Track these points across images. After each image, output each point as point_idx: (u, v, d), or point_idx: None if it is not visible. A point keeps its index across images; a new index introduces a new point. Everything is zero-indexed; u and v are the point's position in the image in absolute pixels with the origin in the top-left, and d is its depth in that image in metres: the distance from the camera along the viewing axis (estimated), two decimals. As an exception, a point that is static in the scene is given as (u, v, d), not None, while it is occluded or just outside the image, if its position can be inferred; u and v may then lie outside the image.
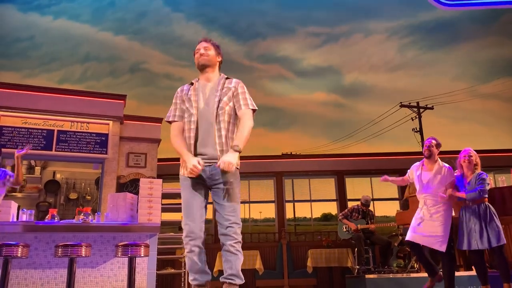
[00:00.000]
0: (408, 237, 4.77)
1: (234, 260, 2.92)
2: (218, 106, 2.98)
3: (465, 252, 6.26)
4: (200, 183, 3.00)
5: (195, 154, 2.95)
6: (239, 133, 2.92)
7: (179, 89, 3.19)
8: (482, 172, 4.69)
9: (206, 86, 3.09)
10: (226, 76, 3.17)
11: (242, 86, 3.11)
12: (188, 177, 2.98)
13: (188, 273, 3.03)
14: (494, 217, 4.53)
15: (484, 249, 4.56)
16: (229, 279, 2.90)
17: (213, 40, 3.23)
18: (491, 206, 4.61)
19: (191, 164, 2.84)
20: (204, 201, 3.03)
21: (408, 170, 5.09)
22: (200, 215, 2.98)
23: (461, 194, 4.62)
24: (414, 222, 4.79)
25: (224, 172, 2.85)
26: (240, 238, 2.96)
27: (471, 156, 4.73)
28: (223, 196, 2.94)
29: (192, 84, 3.15)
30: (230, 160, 2.77)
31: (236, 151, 2.82)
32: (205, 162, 2.92)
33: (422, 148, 4.92)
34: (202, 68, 3.12)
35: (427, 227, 4.64)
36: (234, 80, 3.13)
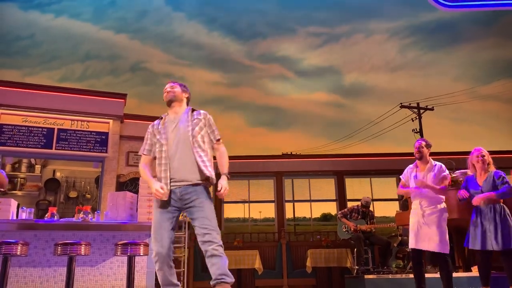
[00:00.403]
0: (411, 244, 4.74)
1: (220, 262, 3.15)
2: (191, 134, 3.33)
3: (464, 253, 6.26)
4: (171, 205, 3.29)
5: (170, 179, 3.29)
6: (223, 162, 3.44)
7: (150, 125, 3.61)
8: (498, 170, 4.68)
9: (175, 119, 3.46)
10: (192, 108, 3.54)
11: (210, 117, 3.50)
12: (160, 200, 3.27)
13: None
14: (509, 217, 4.51)
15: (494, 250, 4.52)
16: (220, 279, 3.10)
17: (179, 82, 3.64)
18: (505, 207, 4.58)
19: (153, 188, 3.23)
20: (172, 223, 3.32)
21: (402, 176, 5.09)
22: (168, 237, 3.25)
23: (491, 195, 4.52)
24: (412, 227, 4.76)
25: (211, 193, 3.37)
26: (220, 242, 3.22)
27: (484, 156, 4.73)
28: (197, 212, 3.24)
29: (161, 118, 3.56)
30: (227, 186, 3.33)
31: (227, 177, 3.36)
32: (176, 185, 3.26)
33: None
34: (170, 103, 3.51)
35: (425, 229, 4.63)
36: (201, 111, 3.50)
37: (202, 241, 3.19)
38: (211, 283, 3.11)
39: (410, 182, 4.91)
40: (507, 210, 4.56)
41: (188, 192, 3.25)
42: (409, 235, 4.84)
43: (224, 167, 3.42)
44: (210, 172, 3.33)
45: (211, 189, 3.48)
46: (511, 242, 4.37)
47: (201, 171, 3.28)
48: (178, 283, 3.27)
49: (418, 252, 4.74)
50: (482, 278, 4.62)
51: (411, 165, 5.01)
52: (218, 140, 3.49)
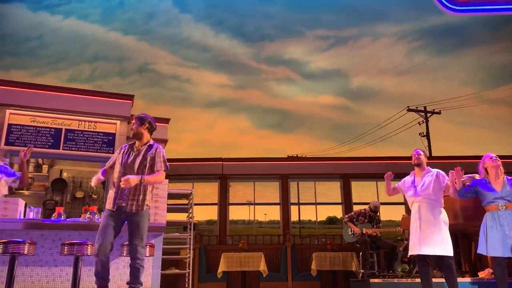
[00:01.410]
0: (413, 251, 4.70)
1: (139, 272, 3.96)
2: (139, 164, 4.10)
3: (470, 258, 6.22)
4: (118, 215, 4.02)
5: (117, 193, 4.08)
6: (152, 175, 4.09)
7: (121, 147, 4.34)
8: (509, 177, 4.67)
9: (134, 149, 4.21)
10: (150, 144, 4.23)
11: (159, 152, 4.18)
12: (108, 209, 4.04)
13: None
14: None
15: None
16: (133, 283, 3.94)
17: (138, 115, 4.30)
18: None
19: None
20: (115, 228, 4.01)
21: (398, 184, 5.12)
22: (109, 239, 3.94)
23: None
24: (413, 234, 4.74)
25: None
26: (143, 256, 4.03)
27: (498, 160, 4.72)
28: (134, 226, 4.00)
29: (129, 145, 4.30)
30: (130, 177, 3.92)
31: (140, 178, 3.99)
32: (124, 202, 4.02)
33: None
34: (132, 138, 4.29)
35: (426, 234, 4.60)
36: (154, 146, 4.21)
37: (132, 251, 4.02)
38: (127, 283, 4.00)
39: (404, 189, 5.01)
40: None
41: (132, 208, 4.04)
42: (409, 241, 4.83)
43: (151, 178, 4.07)
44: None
45: None
46: None
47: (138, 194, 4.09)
48: (109, 279, 3.99)
49: (423, 258, 4.71)
50: (500, 284, 4.48)
51: (408, 176, 5.09)
52: (160, 169, 4.16)
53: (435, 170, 4.87)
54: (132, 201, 4.02)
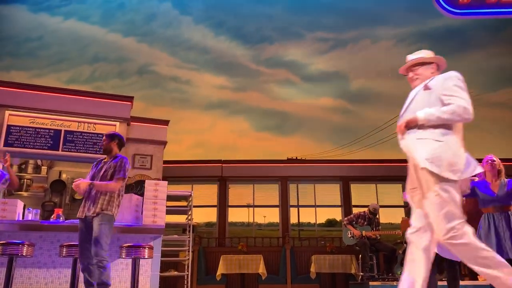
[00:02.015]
0: None
1: (100, 273, 4.00)
2: (102, 174, 4.36)
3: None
4: (85, 225, 4.24)
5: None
6: (105, 184, 4.28)
7: (94, 162, 4.63)
8: (510, 179, 4.67)
9: (102, 163, 4.50)
10: (116, 156, 4.47)
11: (120, 162, 4.37)
12: (78, 218, 4.31)
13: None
14: None
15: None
16: (98, 284, 4.02)
17: (108, 133, 4.66)
18: None
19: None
20: (87, 235, 4.21)
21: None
22: (85, 246, 4.16)
23: None
24: None
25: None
26: (102, 258, 4.02)
27: (494, 161, 4.71)
28: (92, 231, 4.13)
29: (101, 159, 4.58)
30: (81, 181, 4.25)
31: (90, 183, 4.26)
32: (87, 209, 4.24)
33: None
34: (103, 153, 4.59)
35: None
36: (119, 158, 4.43)
37: (92, 254, 4.10)
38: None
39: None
40: None
41: (93, 219, 4.20)
42: None
43: (101, 183, 4.30)
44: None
45: None
46: None
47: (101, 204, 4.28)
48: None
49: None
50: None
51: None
52: (115, 178, 4.34)
53: None
54: (90, 207, 4.22)
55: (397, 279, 6.84)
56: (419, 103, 2.68)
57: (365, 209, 8.14)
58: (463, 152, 2.58)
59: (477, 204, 4.91)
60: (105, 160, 4.55)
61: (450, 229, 2.43)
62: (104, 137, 4.60)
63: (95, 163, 4.62)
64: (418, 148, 2.57)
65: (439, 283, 5.27)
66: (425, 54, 2.94)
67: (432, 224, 2.51)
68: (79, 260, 4.20)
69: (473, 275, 6.12)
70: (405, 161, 2.83)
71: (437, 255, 4.60)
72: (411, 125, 2.53)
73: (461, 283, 5.69)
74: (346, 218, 8.21)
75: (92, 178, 4.39)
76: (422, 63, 2.93)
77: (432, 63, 2.94)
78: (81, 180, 4.28)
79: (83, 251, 4.15)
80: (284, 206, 10.39)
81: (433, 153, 2.51)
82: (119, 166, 4.38)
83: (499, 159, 4.86)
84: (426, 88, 2.72)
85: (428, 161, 2.50)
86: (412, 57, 2.96)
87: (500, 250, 4.39)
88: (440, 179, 2.47)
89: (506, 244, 4.38)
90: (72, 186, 4.31)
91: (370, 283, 6.47)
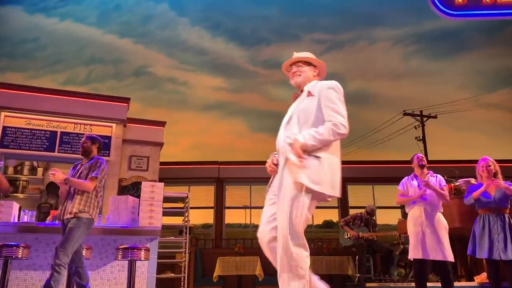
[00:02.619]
0: (415, 255, 4.66)
1: (53, 276, 3.87)
2: (79, 174, 4.43)
3: (466, 263, 6.22)
4: (64, 226, 4.25)
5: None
6: (80, 182, 4.34)
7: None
8: (507, 182, 4.68)
9: (80, 165, 4.57)
10: (93, 157, 4.52)
11: (96, 162, 4.43)
12: (59, 220, 4.33)
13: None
14: None
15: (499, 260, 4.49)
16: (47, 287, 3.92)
17: (90, 135, 4.71)
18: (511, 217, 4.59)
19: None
20: None
21: (400, 186, 5.05)
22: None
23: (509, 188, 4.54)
24: (415, 237, 4.70)
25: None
26: (61, 263, 3.95)
27: (490, 166, 4.74)
28: (64, 235, 4.14)
29: (79, 162, 4.65)
30: (56, 172, 4.34)
31: (66, 177, 4.35)
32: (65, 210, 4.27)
33: (414, 162, 4.99)
34: (82, 154, 4.64)
35: (430, 239, 4.58)
36: (95, 158, 4.50)
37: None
38: None
39: (410, 191, 4.90)
40: None
41: (68, 222, 4.21)
42: (409, 244, 4.80)
43: (76, 180, 4.35)
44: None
45: None
46: None
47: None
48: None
49: (422, 263, 4.70)
50: (493, 284, 4.58)
51: (406, 177, 5.02)
52: (89, 178, 4.37)
53: (436, 175, 4.87)
54: (67, 208, 4.25)
55: (393, 281, 6.85)
56: (303, 111, 2.66)
57: (362, 211, 8.15)
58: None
59: (471, 207, 4.94)
60: (83, 162, 4.60)
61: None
62: (85, 139, 4.63)
63: (73, 166, 4.67)
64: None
65: (434, 284, 5.30)
66: (311, 55, 2.95)
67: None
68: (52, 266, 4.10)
69: (470, 277, 6.12)
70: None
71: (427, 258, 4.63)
72: (304, 149, 2.47)
73: (457, 284, 5.70)
74: (343, 220, 8.22)
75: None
76: (309, 63, 2.92)
77: (316, 67, 2.95)
78: (57, 172, 4.32)
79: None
80: (281, 208, 10.39)
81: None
82: (94, 166, 4.42)
83: (496, 160, 4.88)
84: (310, 94, 2.70)
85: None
86: (299, 54, 2.94)
87: (490, 251, 4.44)
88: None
89: (498, 246, 4.45)
90: (49, 172, 4.31)
91: (367, 284, 6.47)
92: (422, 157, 4.99)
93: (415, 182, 4.90)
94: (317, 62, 2.93)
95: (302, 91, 2.80)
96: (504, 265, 4.50)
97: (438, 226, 4.60)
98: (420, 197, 4.74)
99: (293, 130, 2.61)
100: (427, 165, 5.03)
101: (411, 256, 4.73)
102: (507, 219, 4.54)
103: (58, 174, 4.29)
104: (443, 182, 4.81)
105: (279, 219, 2.52)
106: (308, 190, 2.49)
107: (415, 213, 4.77)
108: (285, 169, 2.57)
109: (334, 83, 2.71)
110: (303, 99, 2.72)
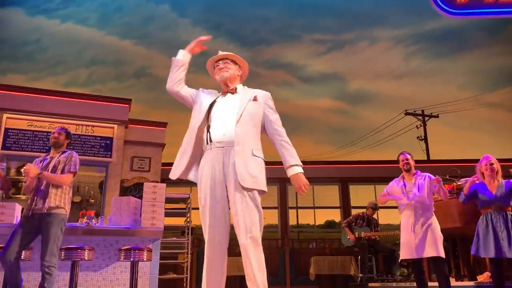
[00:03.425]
0: (406, 255, 4.67)
1: (46, 279, 3.90)
2: (52, 168, 4.21)
3: (469, 262, 6.21)
4: (32, 223, 4.06)
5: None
6: (56, 174, 4.18)
7: (38, 158, 4.44)
8: (508, 180, 4.68)
9: (48, 158, 4.36)
10: (64, 151, 4.38)
11: (71, 156, 4.30)
12: (25, 216, 4.12)
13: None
14: None
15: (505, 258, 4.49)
16: None
17: (66, 129, 4.55)
18: None
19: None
20: (27, 237, 4.06)
21: (387, 189, 5.03)
22: (16, 246, 3.97)
23: None
24: (406, 238, 4.69)
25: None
26: (51, 264, 3.94)
27: (493, 164, 4.73)
28: (43, 235, 4.03)
29: (45, 155, 4.45)
30: (30, 167, 4.05)
31: (40, 172, 4.10)
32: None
33: (400, 163, 4.93)
34: (53, 145, 4.41)
35: (420, 237, 4.57)
36: (67, 152, 4.37)
37: (42, 256, 4.00)
38: None
39: (394, 192, 4.89)
40: None
41: (43, 220, 4.07)
42: (400, 245, 4.80)
43: (53, 175, 4.16)
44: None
45: None
46: None
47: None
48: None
49: (419, 262, 4.70)
50: (496, 283, 4.58)
51: (395, 179, 5.00)
52: (68, 171, 4.24)
53: (425, 174, 4.83)
54: (39, 203, 4.08)
55: (396, 280, 6.84)
56: (253, 114, 2.80)
57: (364, 210, 8.14)
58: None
59: (473, 206, 4.94)
60: (52, 154, 4.36)
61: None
62: (61, 130, 4.45)
63: (38, 160, 4.39)
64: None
65: (435, 284, 5.28)
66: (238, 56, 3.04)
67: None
68: (3, 263, 3.93)
69: (472, 276, 6.11)
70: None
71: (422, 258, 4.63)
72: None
73: (460, 283, 5.69)
74: (345, 221, 8.21)
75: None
76: (235, 62, 3.02)
77: (241, 67, 3.05)
78: (31, 166, 4.06)
79: (13, 250, 3.95)
80: (283, 208, 10.39)
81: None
82: (70, 160, 4.27)
83: (498, 159, 4.87)
84: (256, 99, 2.85)
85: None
86: (226, 52, 3.03)
87: (498, 250, 4.42)
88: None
89: (503, 243, 4.43)
90: (22, 170, 4.05)
91: (369, 284, 6.47)
92: (408, 159, 4.87)
93: (399, 183, 4.89)
94: (242, 63, 3.04)
95: (233, 89, 2.91)
96: (508, 263, 4.49)
97: (429, 225, 4.59)
98: (397, 199, 4.75)
99: (244, 128, 2.73)
100: (427, 165, 5.01)
101: (403, 256, 4.73)
102: (509, 217, 4.53)
103: (33, 169, 4.03)
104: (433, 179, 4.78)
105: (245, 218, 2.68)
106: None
107: (406, 214, 4.77)
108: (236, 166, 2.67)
109: (269, 93, 2.96)
110: (247, 101, 2.81)
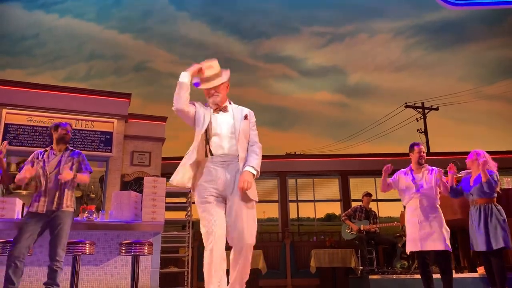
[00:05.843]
0: (412, 247, 4.67)
1: (57, 274, 4.02)
2: (64, 166, 4.24)
3: (469, 254, 6.23)
4: (43, 220, 4.10)
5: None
6: (81, 174, 4.34)
7: (36, 152, 4.42)
8: (490, 170, 4.69)
9: (54, 154, 4.34)
10: (70, 149, 4.39)
11: (83, 156, 4.41)
12: (35, 213, 4.11)
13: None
14: (498, 218, 4.52)
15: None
16: (49, 284, 4.00)
17: (69, 124, 4.54)
18: (496, 208, 4.61)
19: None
20: (37, 233, 4.09)
21: (392, 179, 5.01)
22: (28, 243, 4.02)
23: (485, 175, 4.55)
24: (412, 230, 4.69)
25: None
26: (62, 260, 4.06)
27: (473, 159, 4.81)
28: (56, 231, 4.07)
29: (44, 150, 4.40)
30: (67, 171, 4.16)
31: (73, 173, 4.23)
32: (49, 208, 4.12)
33: (415, 155, 4.90)
34: (60, 141, 4.39)
35: (427, 229, 4.58)
36: (76, 151, 4.42)
37: (51, 254, 4.08)
38: (44, 283, 4.05)
39: (400, 185, 4.89)
40: (497, 211, 4.60)
41: (56, 216, 4.15)
42: (406, 237, 4.81)
43: (84, 175, 4.35)
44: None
45: None
46: (496, 243, 4.43)
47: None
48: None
49: (424, 255, 4.70)
50: (489, 279, 4.65)
51: (403, 170, 4.98)
52: (85, 172, 4.38)
53: (431, 167, 4.85)
54: (54, 201, 4.15)
55: (396, 273, 6.87)
56: (245, 131, 3.11)
57: (360, 203, 8.17)
58: None
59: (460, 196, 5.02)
60: (57, 150, 4.36)
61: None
62: (69, 127, 4.47)
63: (42, 154, 4.35)
64: None
65: (437, 276, 5.30)
66: (226, 74, 3.20)
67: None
68: (12, 259, 3.92)
69: (472, 267, 6.13)
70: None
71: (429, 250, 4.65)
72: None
73: (460, 275, 5.71)
74: (344, 214, 8.21)
75: (49, 169, 4.23)
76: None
77: (227, 81, 3.22)
78: (67, 171, 4.17)
79: (24, 248, 3.98)
80: (283, 201, 10.40)
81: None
82: (84, 160, 4.41)
83: (497, 152, 4.88)
84: (246, 118, 3.17)
85: None
86: (218, 81, 3.14)
87: (477, 242, 4.61)
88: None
89: (479, 237, 4.56)
90: (60, 177, 4.12)
91: (370, 276, 6.49)
92: (424, 153, 4.89)
93: (407, 174, 4.88)
94: (227, 76, 3.20)
95: (224, 108, 3.17)
96: (491, 257, 4.54)
97: (435, 217, 4.60)
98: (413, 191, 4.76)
99: (242, 146, 3.06)
100: (428, 157, 5.03)
101: (409, 249, 4.73)
102: (488, 209, 4.59)
103: (68, 174, 4.16)
104: (441, 173, 4.81)
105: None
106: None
107: (411, 205, 4.76)
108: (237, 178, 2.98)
109: (251, 111, 3.27)
110: (240, 120, 3.12)
